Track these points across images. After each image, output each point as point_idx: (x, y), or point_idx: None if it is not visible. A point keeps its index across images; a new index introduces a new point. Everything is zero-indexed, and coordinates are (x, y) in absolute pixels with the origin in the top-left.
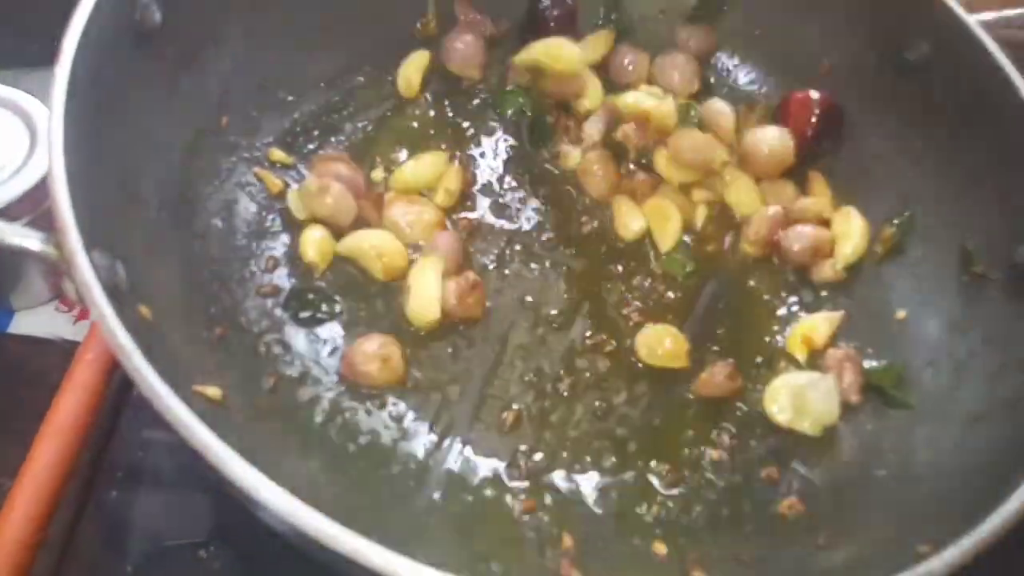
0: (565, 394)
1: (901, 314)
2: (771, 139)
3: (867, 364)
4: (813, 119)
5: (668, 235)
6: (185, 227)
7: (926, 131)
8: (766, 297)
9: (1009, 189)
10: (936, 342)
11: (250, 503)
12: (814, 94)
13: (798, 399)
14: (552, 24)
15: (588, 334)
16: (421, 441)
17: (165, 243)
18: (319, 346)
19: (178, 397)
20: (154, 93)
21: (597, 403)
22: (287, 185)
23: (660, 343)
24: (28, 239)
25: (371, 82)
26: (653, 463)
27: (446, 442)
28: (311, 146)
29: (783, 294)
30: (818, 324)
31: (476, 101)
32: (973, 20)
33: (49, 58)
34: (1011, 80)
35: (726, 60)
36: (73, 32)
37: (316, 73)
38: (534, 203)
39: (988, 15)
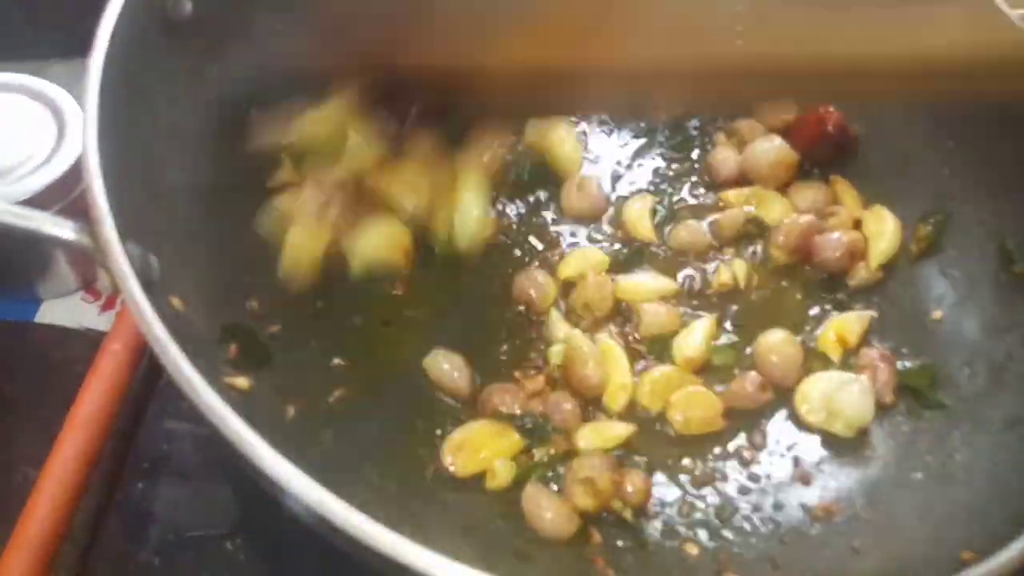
0: None
1: (937, 314)
2: (769, 149)
3: (901, 365)
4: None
5: None
6: (214, 219)
7: (959, 130)
8: (798, 296)
9: None
10: (973, 343)
11: (281, 494)
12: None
13: (831, 400)
14: None
15: None
16: None
17: (194, 234)
18: None
19: (213, 390)
20: (181, 84)
21: None
22: None
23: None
24: (62, 228)
25: None
26: (685, 461)
27: None
28: None
29: (817, 292)
30: (851, 323)
31: None
32: (1016, 15)
33: (74, 48)
34: None
35: None
36: (106, 24)
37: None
38: None
39: None
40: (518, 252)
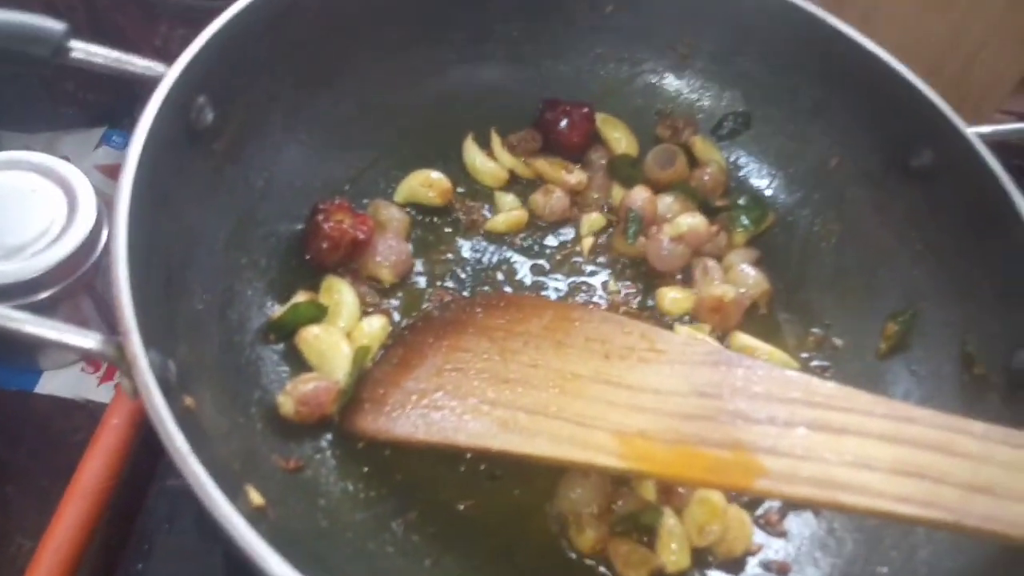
0: None
1: None
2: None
3: None
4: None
5: None
6: (225, 318)
7: (928, 233)
8: None
9: (1007, 295)
10: None
11: None
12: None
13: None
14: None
15: None
16: None
17: (206, 333)
18: None
19: (231, 502)
20: (200, 186)
21: None
22: None
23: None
24: (88, 339)
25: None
26: None
27: None
28: None
29: None
30: None
31: None
32: (972, 133)
33: (82, 121)
34: (1009, 194)
35: (740, 158)
36: (138, 138)
37: (343, 171)
38: None
39: (986, 128)
40: None
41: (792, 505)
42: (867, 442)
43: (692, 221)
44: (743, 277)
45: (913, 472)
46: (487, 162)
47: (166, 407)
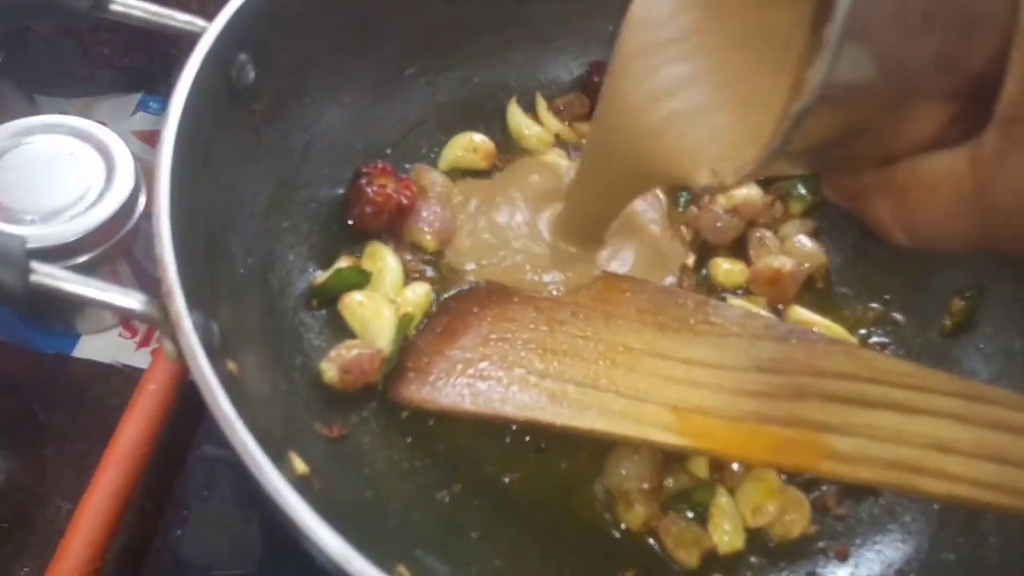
0: None
1: None
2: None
3: None
4: None
5: None
6: (264, 281)
7: None
8: None
9: None
10: None
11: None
12: None
13: None
14: None
15: None
16: None
17: (248, 298)
18: None
19: (277, 469)
20: (240, 148)
21: None
22: None
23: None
24: (131, 300)
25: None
26: None
27: None
28: None
29: None
30: None
31: None
32: None
33: (119, 85)
34: None
35: None
36: (179, 94)
37: (385, 135)
38: None
39: None
40: None
41: (850, 488)
42: (942, 423)
43: (747, 192)
44: (799, 249)
45: (993, 456)
46: (532, 125)
47: (211, 369)
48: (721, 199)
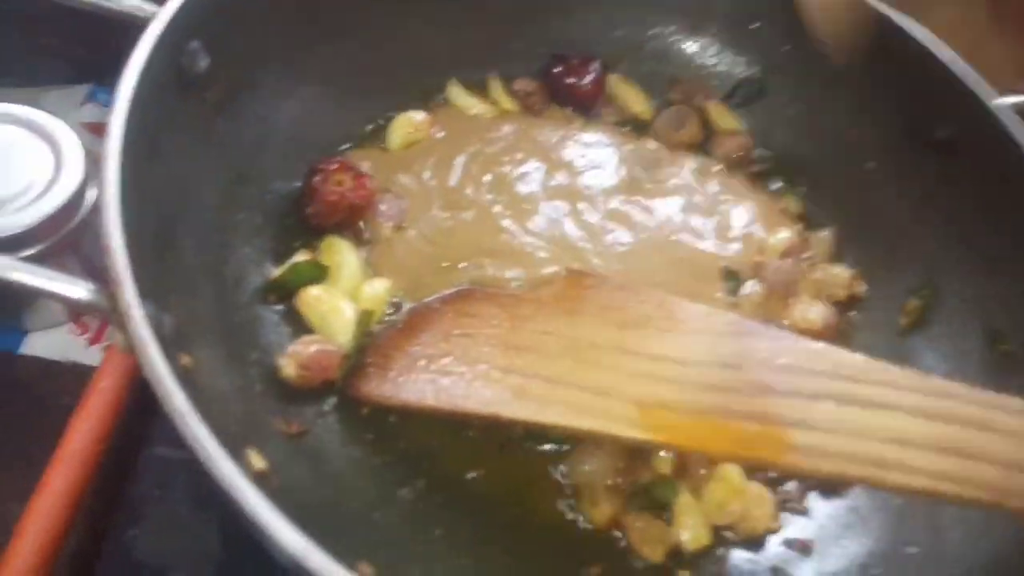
0: None
1: None
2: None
3: None
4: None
5: None
6: (218, 274)
7: (949, 208)
8: None
9: None
10: None
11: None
12: None
13: None
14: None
15: None
16: None
17: (202, 290)
18: None
19: (233, 464)
20: (191, 138)
21: None
22: None
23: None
24: (77, 288)
25: None
26: None
27: None
28: None
29: None
30: None
31: None
32: (997, 104)
33: (67, 75)
34: None
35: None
36: (128, 81)
37: (345, 126)
38: None
39: (1013, 99)
40: None
41: (814, 484)
42: (900, 417)
43: None
44: None
45: (950, 449)
46: (478, 104)
47: (163, 361)
48: None
